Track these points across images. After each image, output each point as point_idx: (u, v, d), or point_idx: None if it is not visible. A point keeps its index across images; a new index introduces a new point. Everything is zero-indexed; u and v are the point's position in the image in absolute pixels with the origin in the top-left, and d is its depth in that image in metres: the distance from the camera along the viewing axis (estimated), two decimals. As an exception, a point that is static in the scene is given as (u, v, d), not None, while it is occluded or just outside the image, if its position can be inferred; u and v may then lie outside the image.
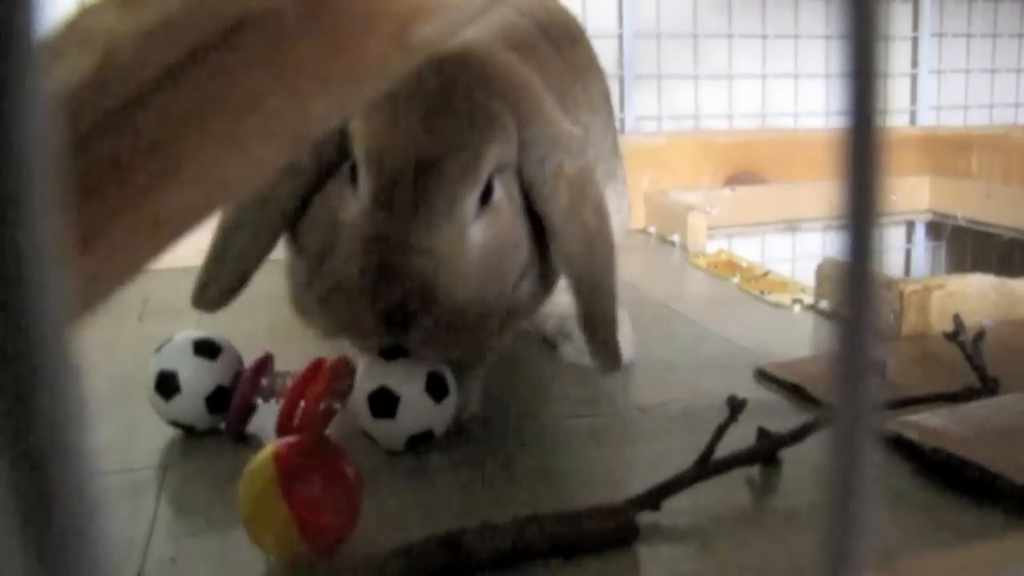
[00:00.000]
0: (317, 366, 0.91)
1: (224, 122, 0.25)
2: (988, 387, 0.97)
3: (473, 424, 0.98)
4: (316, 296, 0.86)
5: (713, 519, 0.77)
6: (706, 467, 0.78)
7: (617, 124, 2.11)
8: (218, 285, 0.92)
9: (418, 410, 0.88)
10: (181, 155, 0.25)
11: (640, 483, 0.78)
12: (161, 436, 0.98)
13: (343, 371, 0.92)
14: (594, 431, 0.98)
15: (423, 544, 0.67)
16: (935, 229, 2.43)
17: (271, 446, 0.69)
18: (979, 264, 2.30)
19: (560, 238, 0.89)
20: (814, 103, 2.35)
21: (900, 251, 2.48)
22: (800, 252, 2.30)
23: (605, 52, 2.09)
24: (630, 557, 0.71)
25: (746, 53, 2.26)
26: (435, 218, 0.81)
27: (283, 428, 0.88)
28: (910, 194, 2.25)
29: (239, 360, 1.00)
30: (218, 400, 0.96)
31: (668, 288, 1.59)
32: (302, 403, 0.87)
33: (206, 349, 0.98)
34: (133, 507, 0.83)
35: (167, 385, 0.96)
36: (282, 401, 0.89)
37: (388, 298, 0.79)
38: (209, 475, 0.89)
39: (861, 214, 0.23)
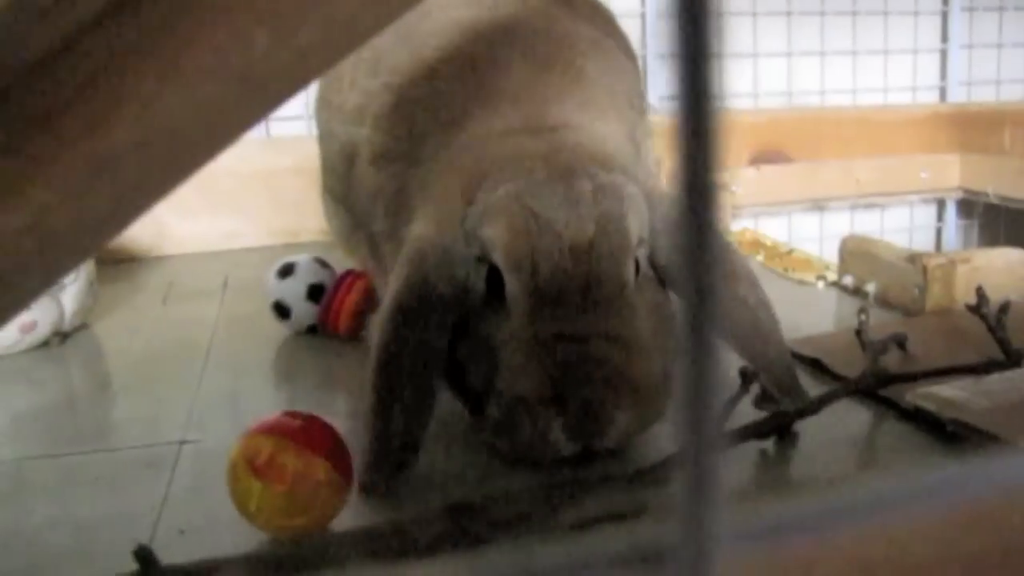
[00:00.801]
0: (356, 277, 1.19)
1: (165, 57, 0.25)
2: (1011, 360, 0.95)
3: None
4: (492, 428, 0.79)
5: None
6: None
7: (640, 104, 2.10)
8: (390, 456, 0.79)
9: None
10: (122, 90, 0.24)
11: (655, 456, 0.77)
12: (182, 414, 0.99)
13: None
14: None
15: (433, 512, 0.67)
16: (966, 207, 2.39)
17: (241, 438, 0.70)
18: (1012, 242, 2.24)
19: (725, 322, 0.85)
20: (841, 81, 2.32)
21: (931, 230, 2.44)
22: (827, 231, 2.27)
23: (628, 31, 2.08)
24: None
25: (771, 31, 2.23)
26: (605, 301, 0.77)
27: (324, 323, 1.19)
28: (940, 172, 2.21)
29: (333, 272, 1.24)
30: (317, 292, 1.21)
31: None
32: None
33: (321, 261, 1.25)
34: (149, 480, 0.84)
35: (286, 270, 1.22)
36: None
37: (580, 396, 0.74)
38: (225, 451, 0.89)
39: (697, 203, 0.21)
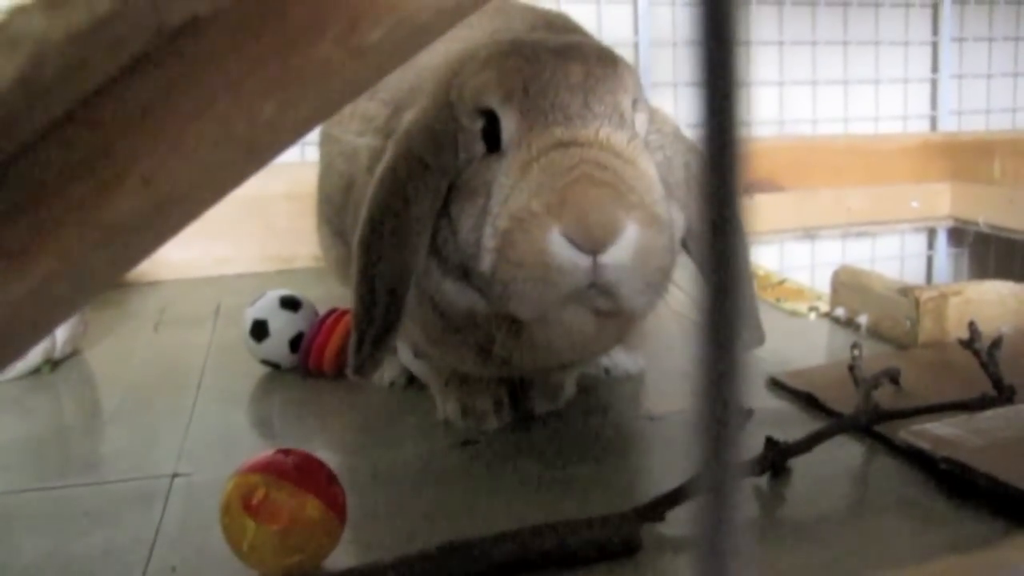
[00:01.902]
0: (341, 314, 1.16)
1: (172, 127, 0.25)
2: (1004, 395, 0.95)
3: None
4: (497, 257, 0.74)
5: (719, 529, 0.76)
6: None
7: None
8: (372, 332, 0.81)
9: None
10: (128, 160, 0.25)
11: (648, 493, 0.77)
12: (173, 444, 0.99)
13: None
14: (604, 440, 0.97)
15: (424, 552, 0.66)
16: (957, 235, 2.40)
17: (235, 476, 0.69)
18: (1002, 271, 2.27)
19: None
20: (832, 110, 2.33)
21: (921, 258, 2.45)
22: (819, 259, 2.28)
23: (620, 60, 2.09)
24: (633, 568, 0.70)
25: (763, 60, 2.24)
26: (607, 123, 0.75)
27: (306, 362, 1.17)
28: (931, 200, 2.23)
29: (316, 312, 1.21)
30: (298, 343, 1.19)
31: (681, 296, 1.58)
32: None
33: (289, 303, 1.21)
34: (141, 514, 0.83)
35: (260, 331, 1.19)
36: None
37: (579, 198, 0.70)
38: (217, 484, 0.89)
39: (721, 228, 0.22)
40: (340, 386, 1.18)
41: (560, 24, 1.06)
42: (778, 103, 2.27)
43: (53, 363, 1.28)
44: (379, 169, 0.83)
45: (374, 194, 0.82)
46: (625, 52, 2.06)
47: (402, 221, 0.80)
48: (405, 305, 0.81)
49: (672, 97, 2.17)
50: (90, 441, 1.05)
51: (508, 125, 0.78)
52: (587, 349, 0.87)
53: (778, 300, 1.49)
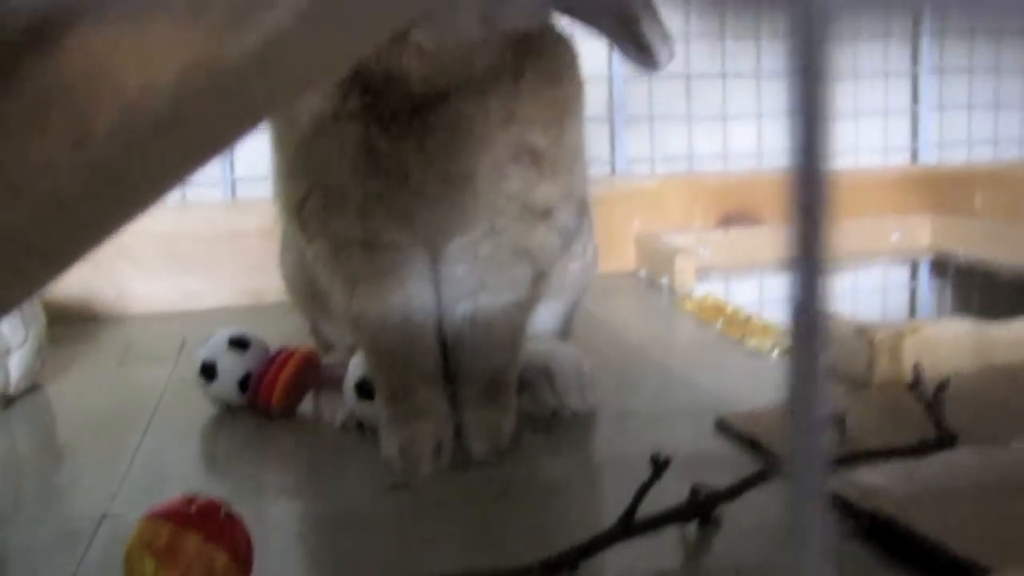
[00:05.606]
0: (289, 354, 1.17)
1: None
2: (945, 441, 0.94)
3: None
4: None
5: (636, 581, 0.75)
6: (629, 526, 0.75)
7: (607, 167, 2.11)
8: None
9: None
10: None
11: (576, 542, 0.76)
12: (110, 484, 0.98)
13: (314, 361, 1.20)
14: (542, 484, 0.96)
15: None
16: (939, 268, 2.38)
17: (141, 520, 0.69)
18: (987, 303, 2.25)
19: None
20: (811, 142, 2.32)
21: (904, 291, 2.43)
22: (800, 293, 2.26)
23: (595, 94, 2.09)
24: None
25: (740, 92, 2.24)
26: None
27: (255, 402, 1.17)
28: (911, 233, 2.21)
29: (266, 350, 1.20)
30: (247, 383, 1.18)
31: (646, 333, 1.57)
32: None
33: (238, 343, 1.20)
34: (60, 559, 0.82)
35: (208, 372, 1.18)
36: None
37: None
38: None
39: (809, 258, 0.23)
40: (292, 426, 1.17)
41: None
42: (756, 136, 2.27)
43: (7, 399, 1.28)
44: None
45: None
46: (599, 86, 2.08)
47: None
48: None
49: (648, 132, 2.17)
50: (27, 480, 1.05)
51: None
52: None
53: (742, 337, 1.48)
